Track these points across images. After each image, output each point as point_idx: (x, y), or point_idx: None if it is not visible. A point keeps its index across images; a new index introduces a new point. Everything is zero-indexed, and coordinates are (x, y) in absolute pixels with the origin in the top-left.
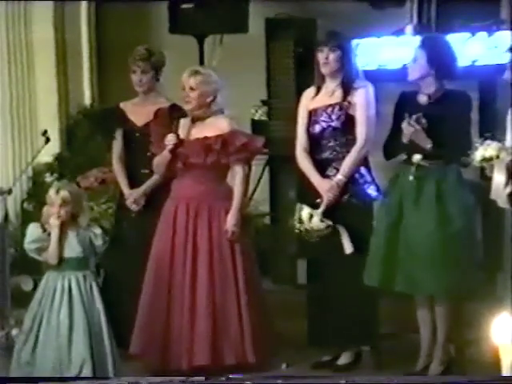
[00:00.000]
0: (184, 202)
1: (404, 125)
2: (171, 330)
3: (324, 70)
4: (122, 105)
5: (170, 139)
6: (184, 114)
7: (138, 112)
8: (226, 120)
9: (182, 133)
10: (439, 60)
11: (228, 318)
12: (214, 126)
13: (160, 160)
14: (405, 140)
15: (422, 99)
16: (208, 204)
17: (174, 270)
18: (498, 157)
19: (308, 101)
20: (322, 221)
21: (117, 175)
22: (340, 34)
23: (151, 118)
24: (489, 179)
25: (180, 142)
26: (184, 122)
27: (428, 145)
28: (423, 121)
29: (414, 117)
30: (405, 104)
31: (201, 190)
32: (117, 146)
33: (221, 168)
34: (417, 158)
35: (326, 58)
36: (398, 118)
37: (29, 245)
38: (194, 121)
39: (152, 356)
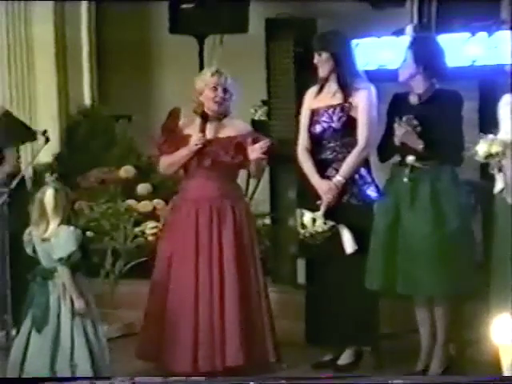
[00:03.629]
0: (206, 203)
1: (395, 126)
2: (198, 333)
3: (319, 73)
4: None
5: (200, 139)
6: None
7: None
8: (241, 121)
9: (208, 133)
10: (426, 58)
11: (254, 317)
12: (233, 127)
13: (175, 159)
14: (396, 142)
15: (413, 99)
16: (231, 204)
17: (199, 272)
18: (503, 153)
19: (311, 100)
20: (325, 223)
21: None
22: (326, 37)
23: None
24: (489, 178)
25: (207, 142)
26: (199, 123)
27: (420, 145)
28: (414, 122)
29: (405, 118)
30: (396, 105)
31: (222, 190)
32: None
33: (239, 168)
34: (410, 159)
35: (317, 62)
36: (390, 120)
37: (74, 256)
38: (211, 122)
39: (177, 360)
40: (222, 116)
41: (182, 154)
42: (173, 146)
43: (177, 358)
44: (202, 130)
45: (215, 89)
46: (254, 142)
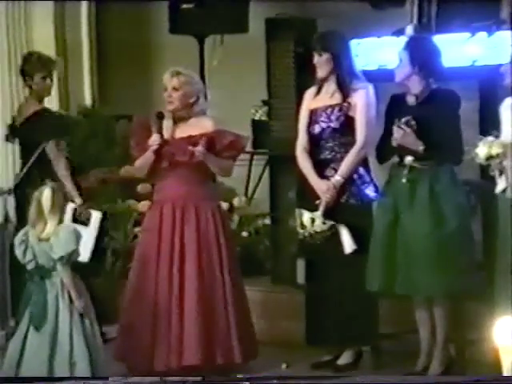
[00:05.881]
0: (170, 203)
1: (394, 128)
2: (158, 331)
3: (318, 73)
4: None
5: (155, 139)
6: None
7: None
8: (209, 120)
9: (165, 133)
10: (421, 58)
11: (216, 319)
12: (198, 126)
13: (143, 162)
14: (394, 144)
15: (410, 100)
16: (194, 204)
17: (161, 272)
18: (504, 154)
19: (309, 100)
20: (324, 223)
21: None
22: (327, 37)
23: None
24: (489, 178)
25: (164, 142)
26: (166, 123)
27: (420, 146)
28: (412, 123)
29: (403, 120)
30: (394, 106)
31: (186, 190)
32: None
33: (206, 167)
34: (409, 159)
35: (317, 63)
36: (388, 121)
37: (74, 255)
38: (177, 122)
39: (138, 359)
40: (186, 116)
41: (146, 156)
42: (143, 149)
43: (137, 357)
44: (159, 131)
45: (166, 89)
46: (209, 141)
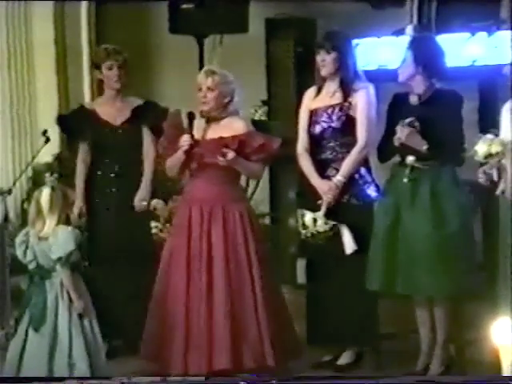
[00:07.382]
0: (198, 204)
1: (398, 128)
2: (190, 334)
3: (322, 72)
4: (89, 104)
5: (186, 139)
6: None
7: (112, 111)
8: (241, 121)
9: (196, 133)
10: (425, 58)
11: (246, 321)
12: (230, 127)
13: (174, 161)
14: (396, 143)
15: (413, 99)
16: (222, 206)
17: (191, 273)
18: (503, 152)
19: (309, 100)
20: (326, 223)
21: (78, 179)
22: (336, 35)
23: (128, 116)
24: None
25: (195, 143)
26: (198, 123)
27: (424, 146)
28: (416, 124)
29: (408, 121)
30: (396, 106)
31: (215, 191)
32: (84, 148)
33: (235, 169)
34: (410, 159)
35: (322, 61)
36: (390, 120)
37: (73, 256)
38: (209, 122)
39: (170, 361)
40: (219, 116)
41: (177, 156)
42: (175, 148)
43: (169, 359)
44: (189, 131)
45: (200, 89)
46: (240, 144)
